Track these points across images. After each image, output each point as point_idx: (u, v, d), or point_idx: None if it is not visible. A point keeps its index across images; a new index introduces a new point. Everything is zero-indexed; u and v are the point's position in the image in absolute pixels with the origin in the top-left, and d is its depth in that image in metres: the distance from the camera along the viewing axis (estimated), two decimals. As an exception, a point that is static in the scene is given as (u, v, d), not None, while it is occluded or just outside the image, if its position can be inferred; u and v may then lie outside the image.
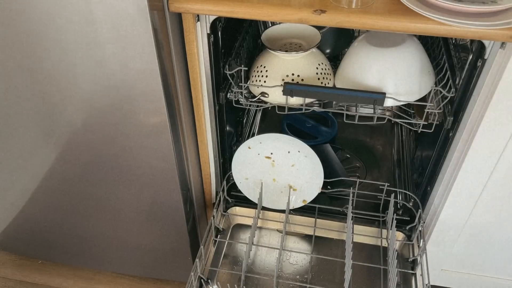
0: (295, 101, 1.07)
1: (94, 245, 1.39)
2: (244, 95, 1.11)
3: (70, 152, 1.11)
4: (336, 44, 1.28)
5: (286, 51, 1.09)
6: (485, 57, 0.89)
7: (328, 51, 1.28)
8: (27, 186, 1.25)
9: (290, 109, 1.08)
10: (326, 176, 1.18)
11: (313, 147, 1.17)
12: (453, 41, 1.11)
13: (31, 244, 1.47)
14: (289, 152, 1.18)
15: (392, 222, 1.13)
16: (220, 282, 1.13)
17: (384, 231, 1.22)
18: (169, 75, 0.96)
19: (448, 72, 1.03)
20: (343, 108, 1.07)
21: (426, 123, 1.04)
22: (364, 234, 1.22)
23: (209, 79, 1.04)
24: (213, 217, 1.18)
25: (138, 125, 1.02)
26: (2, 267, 1.54)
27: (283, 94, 1.02)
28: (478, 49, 0.92)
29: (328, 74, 1.10)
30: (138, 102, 0.97)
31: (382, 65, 1.02)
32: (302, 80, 1.07)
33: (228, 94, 1.12)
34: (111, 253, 1.41)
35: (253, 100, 1.11)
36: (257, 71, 1.11)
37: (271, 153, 1.19)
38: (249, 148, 1.19)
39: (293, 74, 1.07)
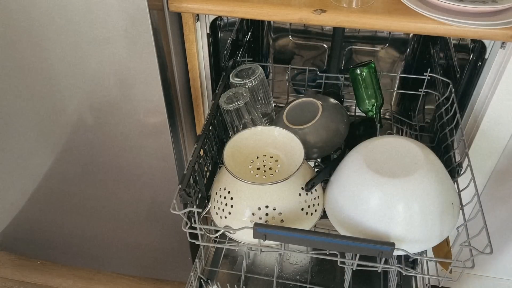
0: (271, 243, 0.79)
1: (94, 245, 1.39)
2: (200, 233, 0.81)
3: (70, 152, 1.11)
4: (327, 140, 0.94)
5: (258, 169, 0.85)
6: (486, 57, 0.89)
7: (315, 150, 0.94)
8: (27, 186, 1.25)
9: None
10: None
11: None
12: (454, 41, 1.12)
13: (31, 244, 1.47)
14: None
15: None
16: (220, 282, 1.13)
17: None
18: (169, 75, 0.96)
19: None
20: (336, 254, 0.80)
21: (449, 278, 0.81)
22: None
23: (209, 79, 1.03)
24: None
25: (138, 125, 1.02)
26: (2, 267, 1.54)
27: (254, 237, 0.74)
28: (478, 49, 0.92)
29: (316, 198, 0.84)
30: (138, 102, 0.97)
31: (388, 200, 0.75)
32: (280, 213, 0.79)
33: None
34: (111, 253, 1.41)
35: (215, 235, 0.84)
36: (219, 195, 0.83)
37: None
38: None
39: (267, 207, 0.79)
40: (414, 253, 0.76)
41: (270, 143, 0.87)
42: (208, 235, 0.84)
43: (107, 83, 0.95)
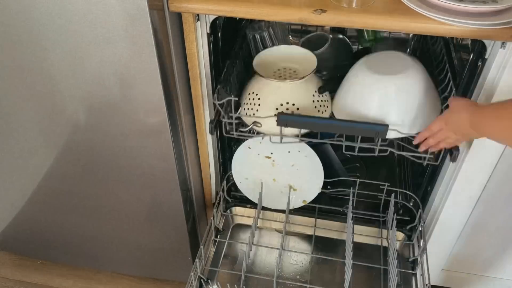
0: (290, 131, 1.01)
1: (94, 245, 1.39)
2: (235, 123, 1.03)
3: (70, 152, 1.11)
4: (334, 65, 1.17)
5: (280, 77, 1.04)
6: (486, 57, 0.89)
7: (325, 73, 1.16)
8: (27, 186, 1.25)
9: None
10: (326, 176, 1.18)
11: (313, 146, 1.17)
12: (454, 41, 1.11)
13: (31, 244, 1.47)
14: (289, 152, 1.17)
15: (392, 222, 1.12)
16: (220, 282, 1.13)
17: (384, 231, 1.22)
18: (169, 75, 0.96)
19: (449, 74, 1.02)
20: (341, 139, 0.99)
21: (432, 156, 0.97)
22: (364, 234, 1.22)
23: (209, 79, 1.03)
24: (213, 217, 1.18)
25: (138, 125, 1.02)
26: (2, 267, 1.54)
27: (277, 125, 0.94)
28: (478, 49, 0.92)
29: (325, 101, 1.04)
30: (138, 102, 0.97)
31: (384, 94, 0.94)
32: (298, 109, 1.00)
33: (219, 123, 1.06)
34: (111, 253, 1.41)
35: (244, 130, 1.03)
36: (249, 99, 1.04)
37: (271, 153, 1.19)
38: (249, 148, 1.19)
39: (287, 103, 1.00)
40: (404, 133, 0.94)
41: (289, 59, 1.07)
42: (240, 131, 1.04)
43: (107, 83, 0.95)
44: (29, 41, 0.90)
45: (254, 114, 1.02)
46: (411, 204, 1.24)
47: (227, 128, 1.05)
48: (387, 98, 0.94)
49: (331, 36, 1.16)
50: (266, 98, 1.01)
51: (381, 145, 0.97)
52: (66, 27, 0.87)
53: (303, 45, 1.14)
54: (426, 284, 1.02)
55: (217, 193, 1.30)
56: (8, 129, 1.10)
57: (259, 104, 1.02)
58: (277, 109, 1.00)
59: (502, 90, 0.89)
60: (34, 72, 0.96)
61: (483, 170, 1.03)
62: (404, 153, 1.00)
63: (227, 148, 1.25)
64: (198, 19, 0.93)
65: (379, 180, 1.25)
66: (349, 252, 1.04)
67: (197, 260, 1.04)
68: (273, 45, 1.16)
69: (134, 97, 0.96)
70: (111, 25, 0.85)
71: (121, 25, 0.84)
